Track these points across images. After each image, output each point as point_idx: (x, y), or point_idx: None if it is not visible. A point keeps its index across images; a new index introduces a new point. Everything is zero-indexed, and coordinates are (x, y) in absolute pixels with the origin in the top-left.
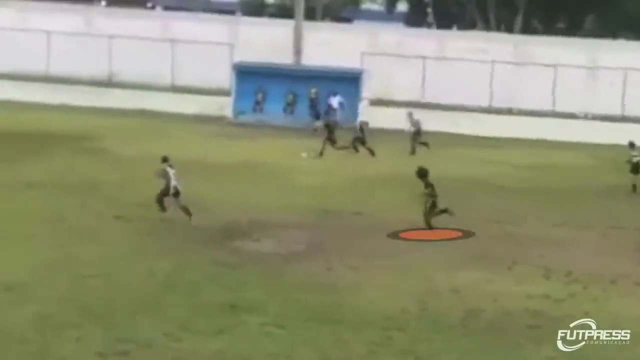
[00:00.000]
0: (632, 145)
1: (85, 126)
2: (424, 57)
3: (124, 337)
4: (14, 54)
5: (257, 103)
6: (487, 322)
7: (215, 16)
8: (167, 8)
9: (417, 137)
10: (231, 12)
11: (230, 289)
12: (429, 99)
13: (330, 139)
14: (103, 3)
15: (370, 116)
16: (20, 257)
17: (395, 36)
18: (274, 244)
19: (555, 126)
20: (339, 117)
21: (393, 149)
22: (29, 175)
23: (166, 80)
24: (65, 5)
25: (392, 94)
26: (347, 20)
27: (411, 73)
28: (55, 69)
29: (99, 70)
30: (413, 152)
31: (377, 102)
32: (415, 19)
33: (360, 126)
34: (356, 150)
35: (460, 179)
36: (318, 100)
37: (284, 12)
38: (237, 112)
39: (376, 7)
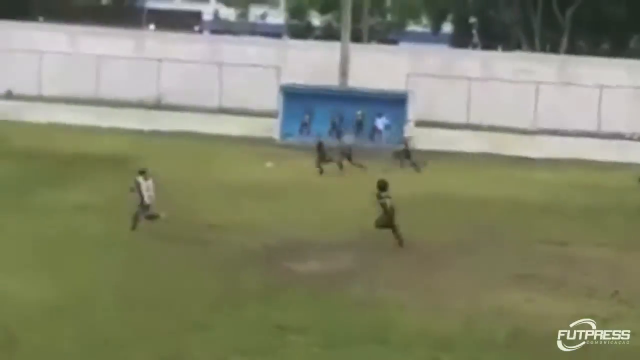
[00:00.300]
0: None
1: (133, 148)
2: (469, 78)
3: (171, 357)
4: (65, 77)
5: (304, 125)
6: (533, 342)
7: (262, 39)
8: (214, 32)
9: (406, 155)
10: (278, 35)
11: (277, 309)
12: (474, 120)
13: (320, 157)
14: (152, 27)
15: (416, 137)
16: (68, 279)
17: (441, 57)
18: (321, 264)
19: (600, 147)
20: (384, 138)
21: (439, 169)
22: (77, 197)
23: (214, 103)
24: (116, 30)
25: (437, 116)
26: (393, 42)
27: (456, 94)
28: (105, 92)
29: (147, 93)
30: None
31: (423, 124)
32: (460, 40)
33: (405, 143)
34: (404, 163)
35: (504, 199)
36: (364, 121)
37: (331, 35)
38: (284, 133)
39: (421, 28)
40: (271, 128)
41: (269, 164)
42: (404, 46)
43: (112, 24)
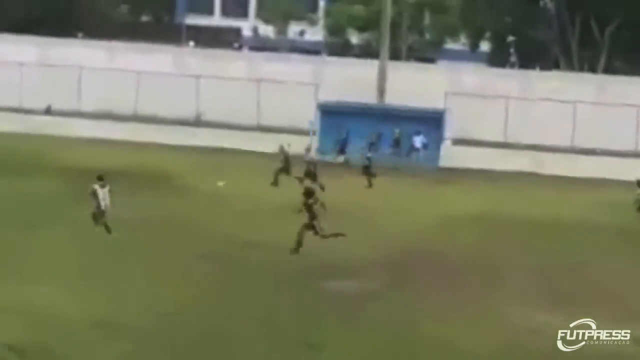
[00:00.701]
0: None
1: (172, 164)
2: (506, 97)
3: None
4: (103, 93)
5: (341, 142)
6: None
7: (301, 57)
8: (253, 48)
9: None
10: (316, 52)
11: (311, 327)
12: (511, 138)
13: (283, 169)
14: (191, 44)
15: (453, 156)
16: (108, 295)
17: (478, 76)
18: (357, 283)
19: (638, 166)
20: (420, 157)
21: (476, 188)
22: (115, 213)
23: (252, 120)
24: (155, 46)
25: (474, 134)
26: (431, 60)
27: (494, 113)
28: (144, 108)
29: (186, 109)
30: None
31: (460, 142)
32: (498, 58)
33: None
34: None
35: (540, 219)
36: (401, 139)
37: (369, 53)
38: (321, 151)
39: (459, 47)
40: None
41: (220, 183)
42: (441, 64)
43: (151, 41)
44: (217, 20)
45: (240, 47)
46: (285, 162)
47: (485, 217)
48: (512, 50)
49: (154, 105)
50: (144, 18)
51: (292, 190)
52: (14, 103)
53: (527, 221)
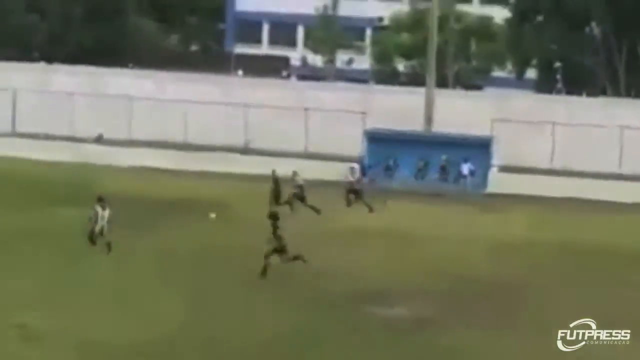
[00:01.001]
0: None
1: (221, 192)
2: (553, 123)
3: None
4: (153, 122)
5: (389, 169)
6: None
7: (348, 85)
8: (301, 77)
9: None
10: (364, 80)
11: (359, 353)
12: (559, 165)
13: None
14: (240, 73)
15: (501, 182)
16: (152, 321)
17: (525, 102)
18: (406, 310)
19: None
20: (468, 184)
21: (526, 214)
22: (163, 241)
23: (300, 148)
24: (203, 76)
25: (522, 161)
26: (478, 87)
27: (541, 139)
28: (193, 137)
29: (235, 137)
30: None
31: (507, 169)
32: (544, 85)
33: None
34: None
35: (588, 244)
36: (449, 166)
37: (416, 80)
38: (369, 178)
39: (506, 74)
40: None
41: (212, 215)
42: (488, 91)
43: (200, 70)
44: (265, 49)
45: (288, 76)
46: (276, 186)
47: (535, 244)
48: (558, 76)
49: (203, 133)
50: (193, 48)
51: (337, 218)
52: (66, 132)
53: (576, 247)
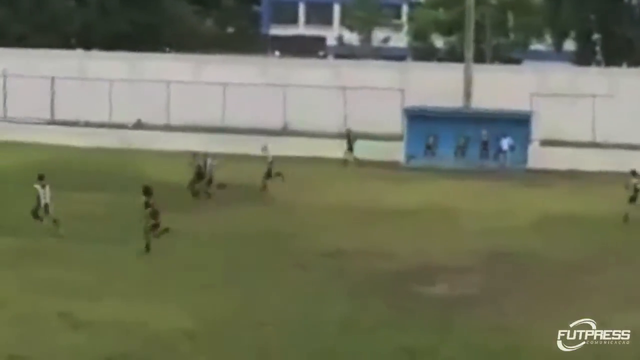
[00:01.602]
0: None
1: (261, 175)
2: (593, 96)
3: None
4: (191, 106)
5: (429, 147)
6: None
7: (386, 63)
8: (338, 56)
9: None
10: (401, 58)
11: (406, 333)
12: (600, 138)
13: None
14: (277, 54)
15: (541, 157)
16: (202, 306)
17: (564, 76)
18: (448, 287)
19: None
20: (508, 159)
21: (568, 189)
22: (210, 225)
23: (338, 127)
24: (240, 58)
25: (562, 135)
26: (516, 61)
27: (581, 112)
28: (231, 120)
29: (273, 119)
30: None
31: (548, 143)
32: (584, 57)
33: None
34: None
35: (631, 219)
36: (489, 142)
37: (453, 56)
38: (409, 156)
39: (545, 47)
40: (396, 151)
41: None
42: (527, 65)
43: (237, 52)
44: (301, 29)
45: (325, 56)
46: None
47: (577, 218)
48: (597, 48)
49: (241, 116)
50: (229, 30)
51: (378, 197)
52: (104, 118)
53: (614, 221)
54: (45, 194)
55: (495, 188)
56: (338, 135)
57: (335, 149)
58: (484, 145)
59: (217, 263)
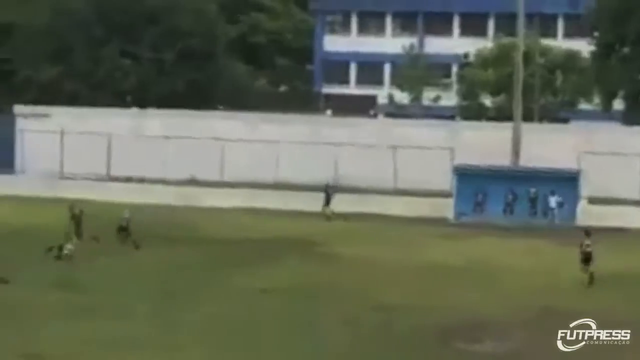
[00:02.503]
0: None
1: (313, 231)
2: None
3: None
4: (245, 163)
5: (478, 204)
6: None
7: (435, 122)
8: (388, 115)
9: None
10: (451, 116)
11: None
12: None
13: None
14: (329, 112)
15: (590, 215)
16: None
17: (612, 135)
18: (494, 345)
19: None
20: (557, 216)
21: (617, 246)
22: (262, 280)
23: (389, 184)
24: (292, 116)
25: (610, 193)
26: (564, 120)
27: (628, 171)
28: (284, 177)
29: (325, 176)
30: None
31: (596, 201)
32: (632, 116)
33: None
34: None
35: None
36: (537, 199)
37: (502, 115)
38: (459, 213)
39: (593, 107)
40: (445, 208)
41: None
42: (575, 124)
43: (289, 110)
44: (352, 88)
45: (375, 115)
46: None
47: (626, 276)
48: None
49: (293, 173)
50: (282, 88)
51: (428, 253)
52: (159, 174)
53: None
54: None
55: (542, 245)
56: (388, 192)
57: (386, 205)
58: (532, 202)
59: (270, 319)
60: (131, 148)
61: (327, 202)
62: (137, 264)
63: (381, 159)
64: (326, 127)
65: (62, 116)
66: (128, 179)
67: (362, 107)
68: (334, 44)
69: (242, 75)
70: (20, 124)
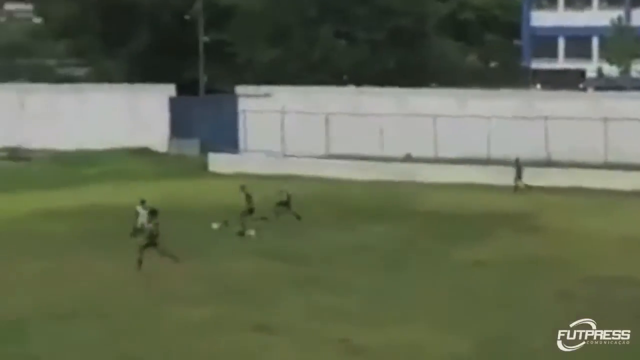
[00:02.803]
0: None
1: (524, 205)
2: None
3: None
4: (457, 139)
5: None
6: None
7: None
8: (597, 89)
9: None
10: None
11: None
12: None
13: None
14: (538, 87)
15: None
16: (477, 332)
17: None
18: None
19: None
20: None
21: None
22: (475, 253)
23: (599, 158)
24: (503, 91)
25: None
26: None
27: None
28: (495, 152)
29: (536, 151)
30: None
31: None
32: None
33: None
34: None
35: None
36: None
37: None
38: None
39: None
40: None
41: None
42: None
43: (499, 86)
44: (561, 63)
45: (585, 89)
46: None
47: None
48: None
49: (503, 148)
50: (492, 64)
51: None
52: (376, 152)
53: None
54: (144, 216)
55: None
56: (601, 166)
57: (597, 179)
58: None
59: (481, 291)
60: (349, 126)
61: (519, 175)
62: (358, 238)
63: (591, 132)
64: (537, 101)
65: (283, 95)
66: (346, 157)
67: (570, 81)
68: (541, 19)
69: (452, 52)
70: (242, 104)
